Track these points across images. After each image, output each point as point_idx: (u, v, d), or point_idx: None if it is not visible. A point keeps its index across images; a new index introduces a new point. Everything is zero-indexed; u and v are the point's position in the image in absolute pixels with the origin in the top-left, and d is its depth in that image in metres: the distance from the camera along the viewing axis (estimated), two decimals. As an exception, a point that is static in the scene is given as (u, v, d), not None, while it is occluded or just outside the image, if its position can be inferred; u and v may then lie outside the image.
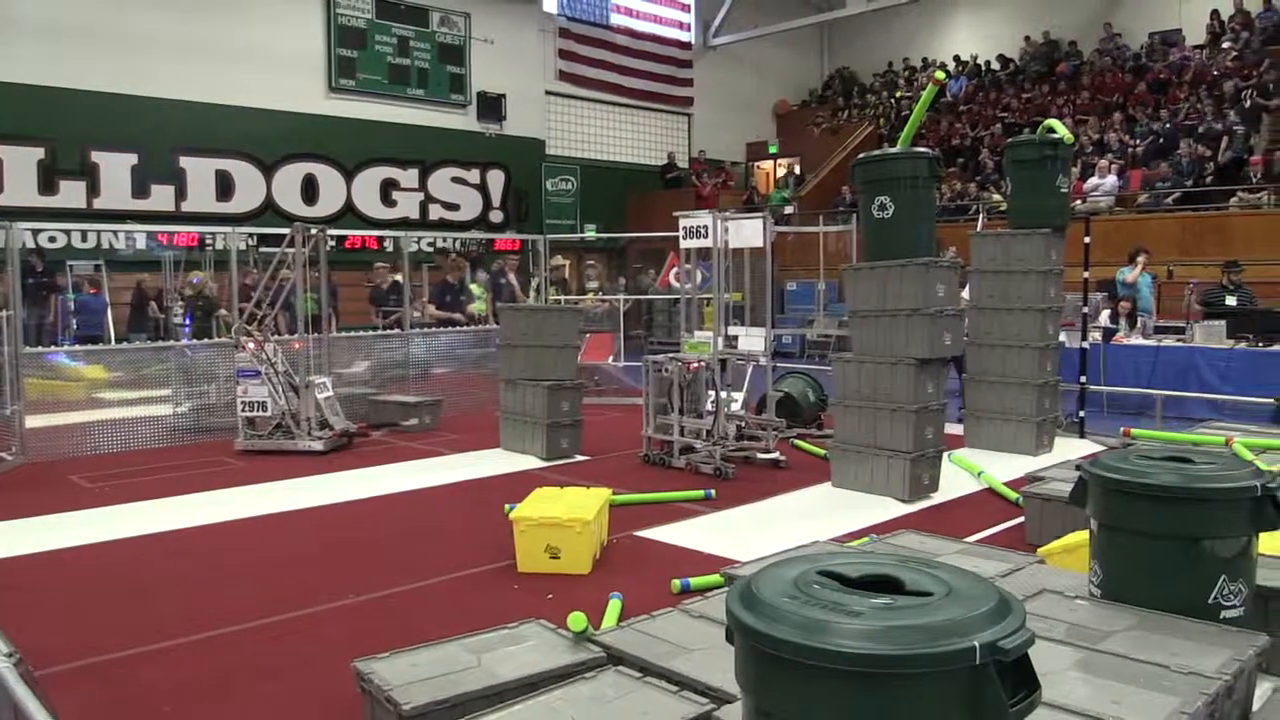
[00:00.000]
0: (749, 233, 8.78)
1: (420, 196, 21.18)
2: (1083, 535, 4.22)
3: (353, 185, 20.26)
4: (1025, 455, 8.51)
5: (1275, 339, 10.49)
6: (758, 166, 27.44)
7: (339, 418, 9.60)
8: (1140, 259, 12.48)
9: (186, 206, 17.91)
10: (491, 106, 21.91)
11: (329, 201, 19.88)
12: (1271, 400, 9.71)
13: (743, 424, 8.76)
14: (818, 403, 10.05)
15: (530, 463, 8.57)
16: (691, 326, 9.40)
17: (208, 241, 16.14)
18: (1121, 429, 9.11)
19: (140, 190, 17.48)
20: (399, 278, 12.70)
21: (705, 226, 8.60)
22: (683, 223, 8.85)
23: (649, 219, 20.67)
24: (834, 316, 15.44)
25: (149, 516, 6.83)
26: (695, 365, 8.42)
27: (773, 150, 26.40)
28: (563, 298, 13.29)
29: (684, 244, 8.91)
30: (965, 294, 9.89)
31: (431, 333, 12.17)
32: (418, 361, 11.66)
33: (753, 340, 8.87)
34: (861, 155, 7.55)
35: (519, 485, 7.34)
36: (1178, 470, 3.37)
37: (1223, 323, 10.98)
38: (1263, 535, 3.44)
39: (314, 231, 9.94)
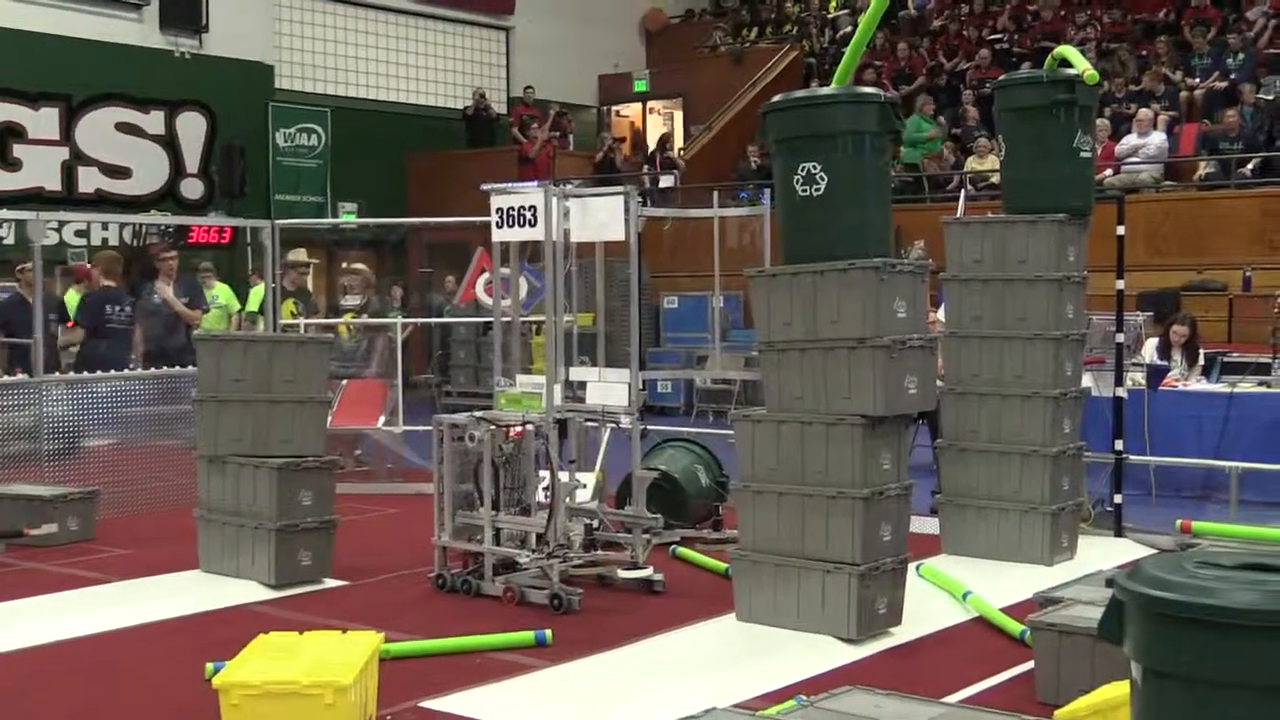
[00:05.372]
0: (604, 217, 8.82)
1: (63, 154, 20.62)
2: (1122, 688, 4.35)
3: (-58, 134, 19.60)
4: (1034, 564, 8.75)
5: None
6: (617, 113, 27.72)
7: (-80, 524, 9.22)
8: None
9: None
10: (185, 9, 21.54)
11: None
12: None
13: (596, 523, 8.75)
14: (713, 488, 10.12)
15: (249, 592, 8.42)
16: (512, 368, 9.38)
17: None
18: (1178, 521, 9.47)
19: None
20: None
21: (534, 207, 8.61)
22: (497, 201, 8.84)
23: (444, 195, 20.62)
24: (737, 351, 15.66)
25: None
26: (518, 430, 8.38)
27: (640, 87, 26.73)
28: (303, 321, 13.09)
29: (499, 235, 8.89)
30: (939, 314, 10.16)
31: (80, 381, 11.78)
32: (59, 427, 11.29)
33: (611, 390, 8.89)
34: (778, 97, 7.68)
35: (230, 630, 7.19)
36: (1259, 585, 3.50)
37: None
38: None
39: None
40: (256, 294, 15.03)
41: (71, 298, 14.50)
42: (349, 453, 12.79)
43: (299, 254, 14.13)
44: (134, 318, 13.50)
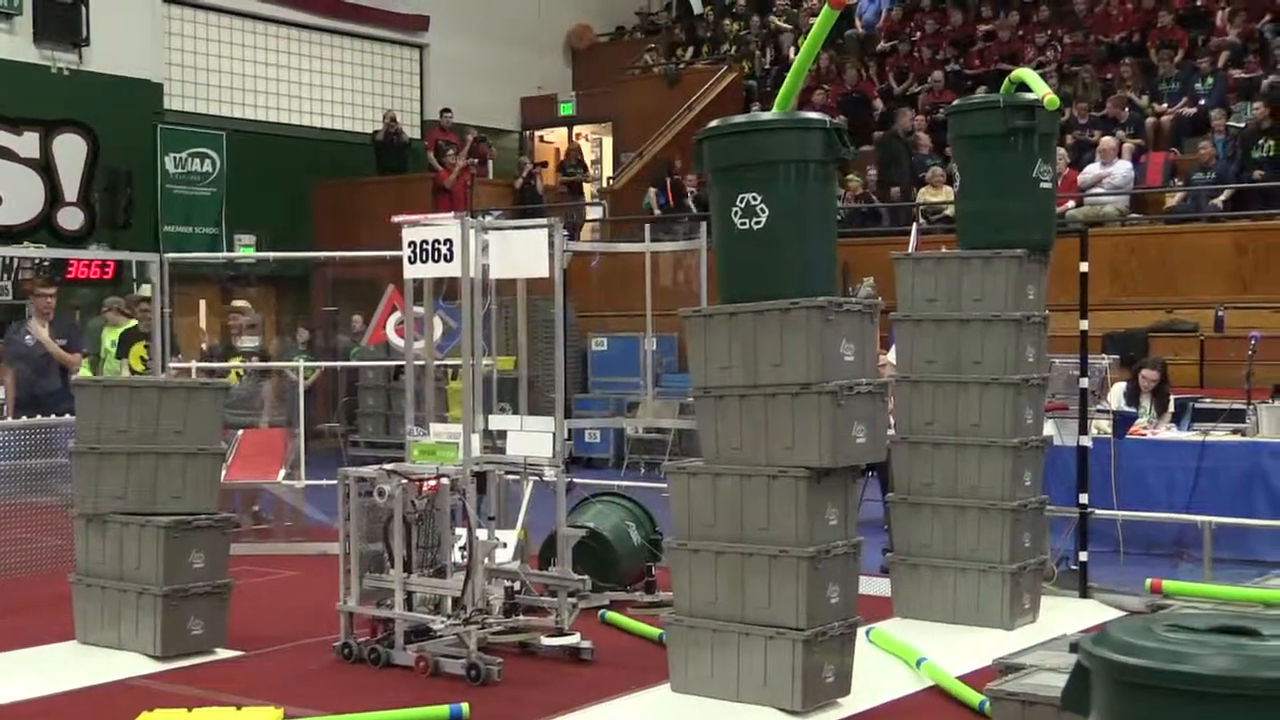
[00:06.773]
0: (526, 252, 8.84)
1: (-76, 180, 20.39)
2: (1088, 763, 4.37)
3: None
4: (993, 628, 8.79)
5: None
6: (541, 138, 27.75)
7: None
8: None
9: None
10: (63, 19, 21.38)
11: None
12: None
13: (517, 586, 8.73)
14: (645, 547, 10.12)
15: (132, 665, 8.31)
16: (426, 416, 9.36)
17: None
18: (1148, 581, 9.54)
19: None
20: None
21: (450, 241, 8.62)
22: (409, 234, 8.84)
23: (351, 227, 20.57)
24: (671, 397, 15.71)
25: None
26: (433, 484, 8.36)
27: (567, 110, 26.78)
28: (194, 365, 12.99)
29: (412, 271, 8.89)
30: (889, 357, 10.22)
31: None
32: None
33: (534, 440, 8.89)
34: (715, 123, 7.73)
35: (111, 708, 7.13)
36: (1236, 650, 3.53)
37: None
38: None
39: None
40: (111, 334, 14.79)
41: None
42: (245, 509, 12.68)
43: (145, 291, 13.93)
44: None
